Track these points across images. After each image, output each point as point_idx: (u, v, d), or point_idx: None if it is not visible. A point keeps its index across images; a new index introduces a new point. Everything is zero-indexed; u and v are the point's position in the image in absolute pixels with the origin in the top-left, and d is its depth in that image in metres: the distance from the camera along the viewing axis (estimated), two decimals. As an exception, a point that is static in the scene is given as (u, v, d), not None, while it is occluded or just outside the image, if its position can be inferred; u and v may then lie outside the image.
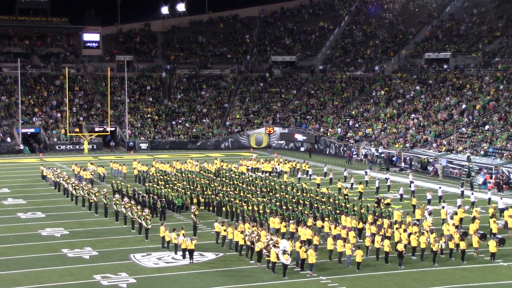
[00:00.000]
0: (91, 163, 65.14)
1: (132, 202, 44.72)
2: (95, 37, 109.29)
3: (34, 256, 35.72)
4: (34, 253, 36.31)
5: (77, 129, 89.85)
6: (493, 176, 60.84)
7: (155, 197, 47.38)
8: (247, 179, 56.38)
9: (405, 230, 36.53)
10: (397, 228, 37.04)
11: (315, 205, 45.78)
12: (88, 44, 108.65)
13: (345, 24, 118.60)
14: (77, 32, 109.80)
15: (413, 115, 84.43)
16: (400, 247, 33.97)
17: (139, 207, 42.11)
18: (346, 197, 50.06)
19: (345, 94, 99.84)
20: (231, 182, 54.92)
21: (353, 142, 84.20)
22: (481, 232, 39.04)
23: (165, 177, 57.03)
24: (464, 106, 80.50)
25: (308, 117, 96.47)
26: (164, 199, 46.68)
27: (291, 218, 41.14)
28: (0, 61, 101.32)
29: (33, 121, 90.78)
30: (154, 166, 63.77)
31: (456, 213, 42.41)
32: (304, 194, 49.33)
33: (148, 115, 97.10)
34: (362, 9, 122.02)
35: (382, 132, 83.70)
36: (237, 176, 58.32)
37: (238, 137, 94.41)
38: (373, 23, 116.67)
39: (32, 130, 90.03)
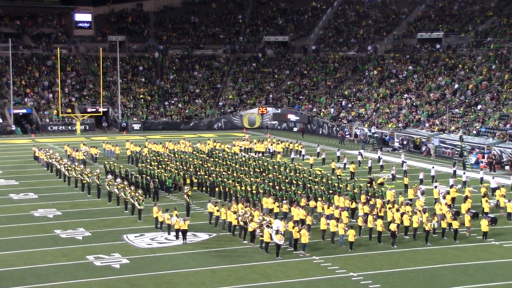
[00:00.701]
0: (84, 144, 65.05)
1: (125, 183, 44.70)
2: (87, 17, 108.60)
3: (27, 237, 35.71)
4: (27, 234, 36.30)
5: (69, 110, 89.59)
6: (485, 156, 60.99)
7: (148, 177, 47.34)
8: (240, 160, 56.38)
9: (397, 210, 36.66)
10: (389, 208, 37.15)
11: (308, 185, 45.83)
12: (80, 25, 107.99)
13: (338, 4, 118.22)
14: (68, 12, 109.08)
15: (405, 95, 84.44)
16: (393, 226, 34.07)
17: (132, 188, 42.07)
18: (339, 177, 50.11)
19: (338, 74, 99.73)
20: (224, 163, 54.90)
21: (346, 122, 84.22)
22: (473, 211, 39.19)
23: (158, 157, 56.95)
24: (456, 86, 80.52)
25: (301, 97, 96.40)
26: (157, 180, 46.63)
27: (284, 198, 41.18)
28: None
29: (25, 102, 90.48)
30: (147, 146, 63.69)
31: (448, 193, 42.55)
32: (297, 174, 49.38)
33: (141, 96, 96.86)
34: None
35: (375, 112, 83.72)
36: (230, 157, 58.28)
37: (231, 118, 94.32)
38: (366, 3, 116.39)
39: (24, 110, 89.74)
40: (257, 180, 46.26)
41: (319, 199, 40.53)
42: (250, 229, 33.90)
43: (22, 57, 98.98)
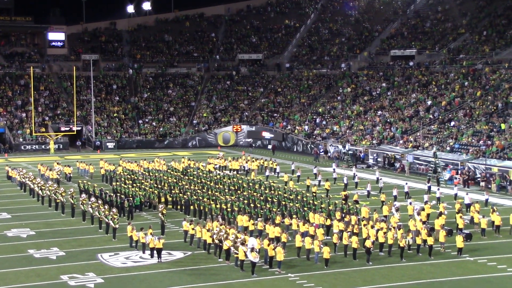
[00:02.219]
0: (57, 163, 64.65)
1: (99, 201, 44.43)
2: (60, 36, 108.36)
3: (0, 257, 35.32)
4: (0, 254, 35.90)
5: (42, 129, 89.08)
6: (459, 172, 61.37)
7: (122, 196, 47.12)
8: (215, 178, 56.29)
9: (372, 227, 36.72)
10: (364, 225, 37.23)
11: (283, 202, 45.86)
12: (53, 43, 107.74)
13: (311, 22, 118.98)
14: (41, 31, 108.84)
15: (379, 112, 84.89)
16: (368, 243, 34.11)
17: (106, 207, 41.84)
18: (314, 194, 50.19)
19: (312, 91, 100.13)
20: (198, 181, 54.81)
21: (321, 139, 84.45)
22: (447, 228, 39.34)
23: (132, 176, 56.76)
24: (429, 102, 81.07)
25: (276, 114, 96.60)
26: (131, 198, 46.40)
27: (259, 216, 41.15)
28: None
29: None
30: (121, 165, 63.44)
31: (423, 209, 42.70)
32: (272, 192, 49.35)
33: (115, 114, 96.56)
34: (328, 7, 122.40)
35: (349, 129, 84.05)
36: (204, 175, 58.20)
37: (205, 136, 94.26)
38: (339, 21, 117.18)
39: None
40: (232, 198, 46.21)
41: (294, 216, 40.49)
42: (225, 247, 33.80)
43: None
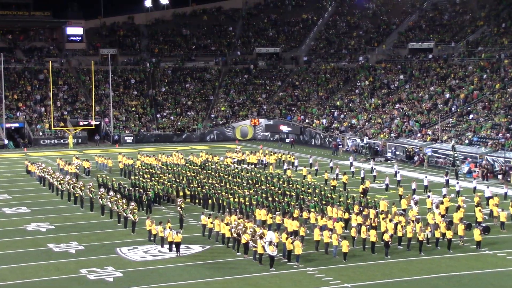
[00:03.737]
0: (76, 157, 64.90)
1: (118, 195, 44.61)
2: (79, 30, 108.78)
3: (20, 251, 35.57)
4: (20, 248, 36.15)
5: (61, 124, 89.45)
6: (478, 165, 61.08)
7: (140, 190, 47.26)
8: (233, 171, 56.34)
9: (391, 220, 36.66)
10: (383, 218, 37.16)
11: (301, 196, 45.83)
12: (72, 38, 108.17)
13: (329, 15, 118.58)
14: (60, 26, 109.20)
15: (397, 105, 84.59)
16: (386, 237, 34.05)
17: (124, 201, 41.98)
18: (333, 188, 50.13)
19: (330, 85, 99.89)
20: (217, 175, 54.86)
21: (338, 132, 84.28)
22: (466, 222, 39.19)
23: (150, 170, 56.92)
24: (448, 95, 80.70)
25: (293, 108, 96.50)
26: (150, 192, 46.52)
27: (278, 210, 41.17)
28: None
29: (17, 116, 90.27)
30: (139, 159, 63.61)
31: (442, 202, 42.55)
32: (290, 186, 49.34)
33: (133, 108, 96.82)
34: (345, 0, 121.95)
35: (367, 123, 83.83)
36: (223, 169, 58.26)
37: (223, 129, 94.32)
38: (357, 14, 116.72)
39: (16, 125, 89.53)
40: (250, 191, 46.25)
41: (312, 210, 40.46)
42: (243, 240, 33.86)
43: (14, 71, 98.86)
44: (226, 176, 53.49)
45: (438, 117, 75.09)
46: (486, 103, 74.32)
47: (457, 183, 51.59)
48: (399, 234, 35.63)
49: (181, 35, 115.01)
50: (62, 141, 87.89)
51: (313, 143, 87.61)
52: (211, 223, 37.18)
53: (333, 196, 45.47)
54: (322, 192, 46.47)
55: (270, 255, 31.82)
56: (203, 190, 47.25)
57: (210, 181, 51.27)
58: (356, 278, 30.63)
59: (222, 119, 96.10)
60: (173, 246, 34.40)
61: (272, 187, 48.52)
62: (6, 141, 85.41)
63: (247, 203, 43.02)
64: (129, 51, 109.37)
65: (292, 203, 42.71)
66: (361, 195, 46.62)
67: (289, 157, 66.06)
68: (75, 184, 48.72)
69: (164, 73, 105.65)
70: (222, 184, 49.59)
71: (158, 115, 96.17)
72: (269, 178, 53.11)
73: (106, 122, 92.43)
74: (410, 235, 35.26)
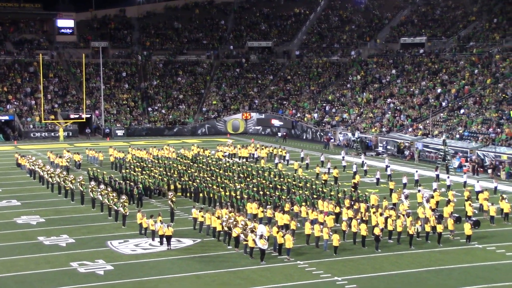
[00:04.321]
0: (67, 151, 64.79)
1: (109, 189, 44.53)
2: (69, 23, 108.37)
3: (10, 244, 35.50)
4: (10, 241, 36.08)
5: (52, 116, 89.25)
6: (468, 160, 61.26)
7: (131, 183, 47.21)
8: (224, 165, 56.33)
9: (381, 214, 36.77)
10: (373, 212, 37.25)
11: (292, 190, 45.85)
12: (62, 31, 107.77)
13: (321, 9, 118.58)
14: (51, 18, 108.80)
15: (389, 100, 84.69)
16: (376, 231, 34.11)
17: (115, 194, 41.94)
18: (324, 181, 50.19)
19: (322, 79, 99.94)
20: (208, 168, 54.84)
21: (330, 127, 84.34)
22: (456, 215, 39.33)
23: (141, 163, 56.85)
24: (439, 90, 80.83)
25: (285, 102, 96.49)
26: (141, 186, 46.46)
27: (269, 203, 41.20)
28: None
29: (7, 109, 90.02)
30: (130, 152, 63.52)
31: (432, 197, 42.72)
32: (281, 179, 49.37)
33: (124, 102, 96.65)
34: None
35: (359, 117, 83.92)
36: (214, 162, 58.24)
37: (215, 123, 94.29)
38: (349, 8, 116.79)
39: (6, 117, 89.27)
40: (241, 185, 46.25)
41: (303, 203, 40.49)
42: (234, 234, 33.88)
43: (4, 63, 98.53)
44: (217, 170, 53.47)
45: (429, 112, 75.20)
46: (477, 98, 74.48)
47: (448, 177, 51.73)
48: (390, 228, 35.69)
49: (173, 28, 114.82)
50: (52, 134, 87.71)
51: (304, 137, 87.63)
52: (202, 216, 37.17)
53: (324, 190, 45.50)
54: (313, 186, 46.50)
55: (261, 248, 31.85)
56: (194, 184, 47.22)
57: (201, 174, 51.27)
58: (346, 271, 30.68)
59: (214, 113, 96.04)
60: (164, 239, 34.39)
61: (263, 181, 48.58)
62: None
63: (238, 197, 43.03)
64: (121, 44, 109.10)
65: (283, 197, 42.74)
66: (352, 189, 46.68)
67: (281, 151, 66.08)
68: (66, 177, 48.63)
69: (155, 67, 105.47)
70: (213, 177, 49.60)
71: (150, 109, 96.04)
72: (260, 172, 53.11)
73: (96, 114, 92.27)
74: (400, 229, 35.36)
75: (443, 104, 77.34)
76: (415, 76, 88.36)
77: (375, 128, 77.91)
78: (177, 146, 70.46)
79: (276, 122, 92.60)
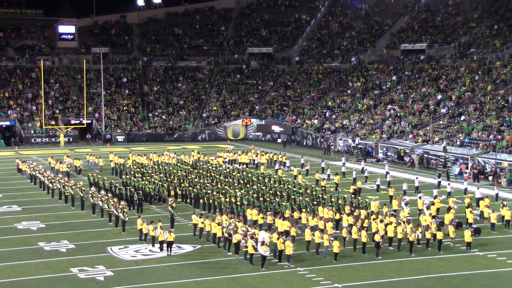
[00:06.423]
0: (67, 156, 64.77)
1: (109, 194, 44.55)
2: (70, 29, 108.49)
3: (10, 250, 35.48)
4: (10, 247, 36.06)
5: (52, 122, 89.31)
6: (469, 167, 61.22)
7: (132, 189, 47.21)
8: (225, 171, 56.32)
9: (382, 221, 36.73)
10: (374, 219, 37.22)
11: (292, 196, 45.83)
12: (64, 36, 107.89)
13: (321, 16, 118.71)
14: (52, 24, 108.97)
15: (389, 106, 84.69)
16: (377, 237, 34.09)
17: (115, 200, 41.93)
18: (323, 188, 50.17)
19: (322, 85, 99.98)
20: (208, 174, 54.85)
21: (330, 133, 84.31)
22: (456, 221, 39.33)
23: (142, 169, 56.86)
24: (440, 96, 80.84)
25: (285, 108, 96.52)
26: (141, 192, 46.46)
27: (269, 210, 41.18)
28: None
29: (8, 114, 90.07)
30: (130, 158, 63.52)
31: (432, 204, 42.69)
32: (282, 186, 49.35)
33: (125, 107, 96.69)
34: (338, 1, 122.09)
35: (359, 123, 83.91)
36: (214, 168, 58.24)
37: (215, 129, 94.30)
38: (349, 15, 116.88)
39: (7, 123, 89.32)
40: (242, 191, 46.23)
41: (304, 210, 40.47)
42: (234, 240, 33.85)
43: (5, 69, 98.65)
44: (217, 176, 53.46)
45: (430, 118, 75.20)
46: (478, 105, 74.48)
47: (448, 184, 51.71)
48: (390, 234, 35.67)
49: (173, 34, 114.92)
50: (53, 139, 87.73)
51: (304, 144, 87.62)
52: (202, 222, 37.15)
53: (325, 197, 45.49)
54: (314, 193, 46.47)
55: (263, 255, 31.82)
56: (194, 190, 47.20)
57: (201, 180, 51.26)
58: (346, 278, 30.65)
59: (214, 118, 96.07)
60: (164, 245, 34.37)
61: (264, 187, 48.57)
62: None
63: (238, 203, 43.01)
64: (121, 50, 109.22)
65: (283, 203, 42.72)
66: (352, 196, 46.67)
67: (281, 157, 66.08)
68: (66, 183, 48.63)
69: (156, 72, 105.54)
70: (213, 183, 49.59)
71: (150, 114, 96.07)
72: (260, 178, 53.11)
73: (96, 117, 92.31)
74: (401, 235, 35.34)
75: (443, 110, 77.33)
76: (416, 82, 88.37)
77: (375, 134, 77.88)
78: (177, 152, 70.44)
79: (276, 128, 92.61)
